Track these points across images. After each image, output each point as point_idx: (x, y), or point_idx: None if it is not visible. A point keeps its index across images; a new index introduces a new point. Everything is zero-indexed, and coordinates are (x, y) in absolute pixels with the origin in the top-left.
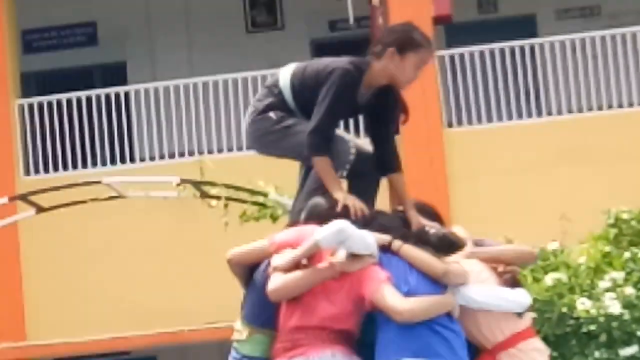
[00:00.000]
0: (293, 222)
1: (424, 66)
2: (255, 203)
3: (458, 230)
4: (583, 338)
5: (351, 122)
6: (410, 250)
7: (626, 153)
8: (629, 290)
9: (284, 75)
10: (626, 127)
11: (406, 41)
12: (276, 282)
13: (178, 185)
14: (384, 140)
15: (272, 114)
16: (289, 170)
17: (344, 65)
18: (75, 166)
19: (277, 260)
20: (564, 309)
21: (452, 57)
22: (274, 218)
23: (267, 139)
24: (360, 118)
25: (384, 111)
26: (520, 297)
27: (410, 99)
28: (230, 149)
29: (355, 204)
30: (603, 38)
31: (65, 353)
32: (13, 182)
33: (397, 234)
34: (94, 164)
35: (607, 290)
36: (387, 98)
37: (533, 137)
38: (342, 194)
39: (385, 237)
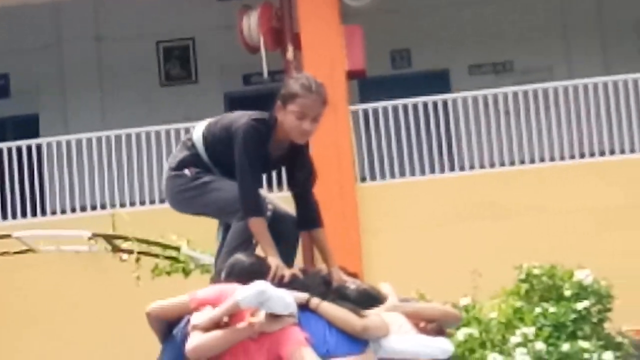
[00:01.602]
0: (215, 280)
1: (312, 114)
2: (167, 257)
3: (385, 287)
4: None
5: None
6: (328, 308)
7: (537, 208)
8: (540, 345)
9: (198, 129)
10: (537, 182)
11: (285, 93)
12: (195, 341)
13: (90, 239)
14: (304, 195)
15: (187, 172)
16: (201, 224)
17: (247, 122)
18: None
19: (197, 318)
20: None
21: (365, 112)
22: (186, 272)
23: (183, 196)
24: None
25: (298, 165)
26: (442, 344)
27: (323, 153)
28: (142, 203)
29: (285, 272)
30: (515, 94)
31: None
32: None
33: (317, 293)
34: (4, 216)
35: (518, 345)
36: (299, 152)
37: (445, 191)
38: (276, 260)
39: (303, 295)
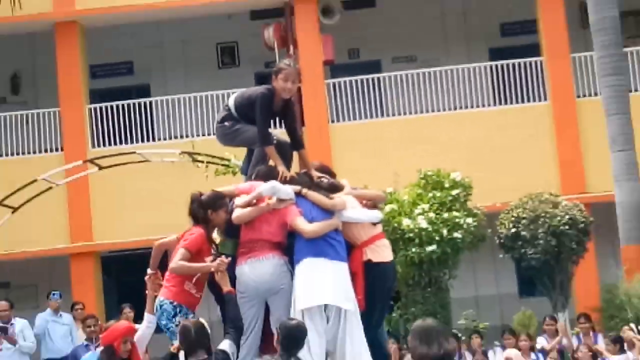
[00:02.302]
0: (248, 180)
1: (292, 78)
2: (223, 165)
3: (344, 181)
4: (405, 241)
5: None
6: (312, 195)
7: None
8: (431, 215)
9: (232, 98)
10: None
11: (276, 69)
12: (237, 213)
13: (180, 154)
14: (293, 131)
15: (226, 123)
16: (241, 149)
17: (262, 91)
18: (116, 142)
19: (238, 201)
20: (395, 225)
21: (334, 85)
22: (234, 173)
23: (226, 138)
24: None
25: (289, 113)
26: (376, 214)
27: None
28: (210, 134)
29: (287, 174)
30: None
31: None
32: None
33: (305, 186)
34: (135, 141)
35: (419, 214)
36: (288, 105)
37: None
38: (282, 168)
39: (298, 187)
